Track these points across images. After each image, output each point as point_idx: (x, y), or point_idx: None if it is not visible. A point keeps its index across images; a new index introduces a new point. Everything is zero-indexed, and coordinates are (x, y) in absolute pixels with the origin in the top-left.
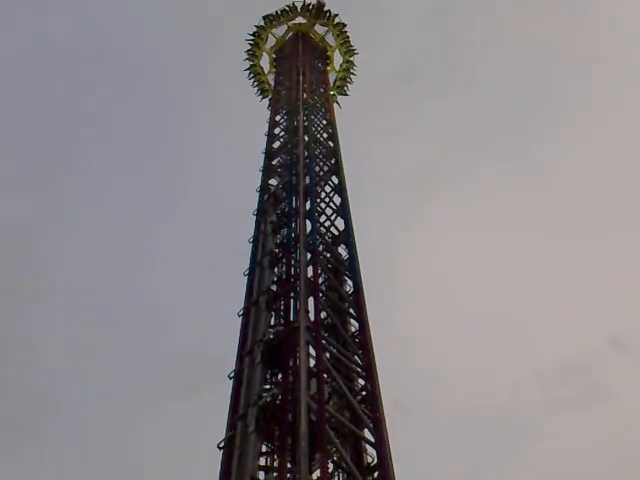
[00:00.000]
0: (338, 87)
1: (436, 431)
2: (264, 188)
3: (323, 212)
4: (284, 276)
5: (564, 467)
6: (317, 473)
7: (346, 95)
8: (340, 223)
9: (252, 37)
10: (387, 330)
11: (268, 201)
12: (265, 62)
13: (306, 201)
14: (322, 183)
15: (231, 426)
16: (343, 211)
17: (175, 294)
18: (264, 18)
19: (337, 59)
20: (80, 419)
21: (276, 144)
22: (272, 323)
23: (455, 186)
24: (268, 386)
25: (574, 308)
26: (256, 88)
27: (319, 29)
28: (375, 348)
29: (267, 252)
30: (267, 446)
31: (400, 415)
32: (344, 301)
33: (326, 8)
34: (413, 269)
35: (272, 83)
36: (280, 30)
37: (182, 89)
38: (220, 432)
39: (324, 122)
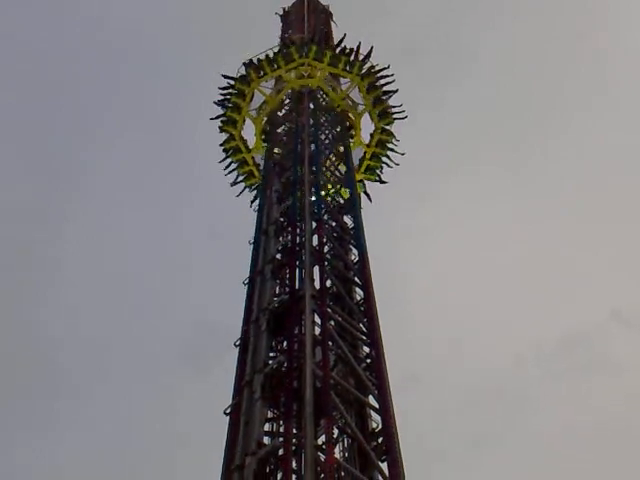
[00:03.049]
0: (368, 170)
1: (440, 399)
2: (269, 156)
3: (329, 180)
4: (289, 245)
5: (565, 436)
6: (322, 438)
7: (382, 183)
8: (345, 192)
9: (225, 97)
10: (393, 300)
11: (273, 170)
12: (249, 132)
13: (311, 169)
14: (327, 152)
15: (237, 393)
16: (348, 180)
17: (182, 264)
18: (247, 65)
19: (366, 125)
20: (91, 390)
21: (281, 112)
22: (277, 292)
23: (465, 162)
24: (273, 354)
25: (577, 281)
26: (235, 172)
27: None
28: (381, 318)
29: (272, 221)
30: (273, 412)
31: (405, 383)
32: (349, 270)
33: (348, 45)
34: (420, 240)
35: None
36: (274, 83)
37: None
38: (227, 399)
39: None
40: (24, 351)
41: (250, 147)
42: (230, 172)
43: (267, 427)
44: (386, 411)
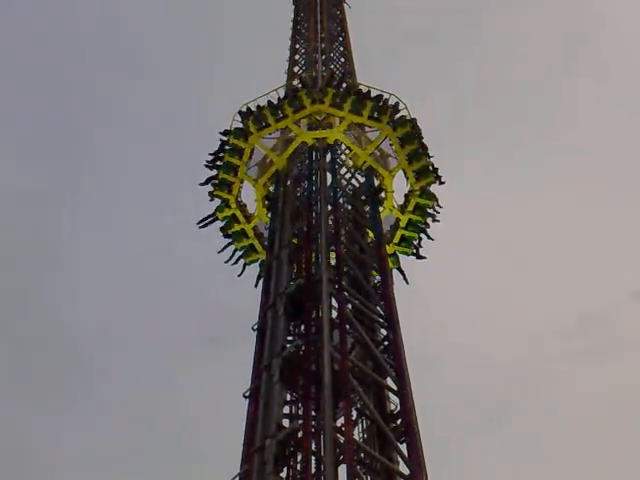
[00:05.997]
0: (403, 242)
1: (459, 381)
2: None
3: (343, 164)
4: (305, 229)
5: (584, 414)
6: (341, 420)
7: (420, 258)
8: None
9: (216, 154)
10: (409, 283)
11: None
12: (247, 193)
13: (326, 153)
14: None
15: (256, 376)
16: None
17: (198, 248)
18: (244, 115)
19: (399, 184)
20: (113, 375)
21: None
22: (294, 276)
23: (477, 140)
24: (291, 337)
25: (596, 261)
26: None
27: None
28: (398, 300)
29: (289, 205)
30: (291, 395)
31: (421, 366)
32: (366, 253)
33: (376, 93)
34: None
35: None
36: (279, 134)
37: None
38: (246, 382)
39: (343, 73)
40: (40, 333)
41: (249, 213)
42: (224, 248)
43: (286, 410)
44: (404, 393)
